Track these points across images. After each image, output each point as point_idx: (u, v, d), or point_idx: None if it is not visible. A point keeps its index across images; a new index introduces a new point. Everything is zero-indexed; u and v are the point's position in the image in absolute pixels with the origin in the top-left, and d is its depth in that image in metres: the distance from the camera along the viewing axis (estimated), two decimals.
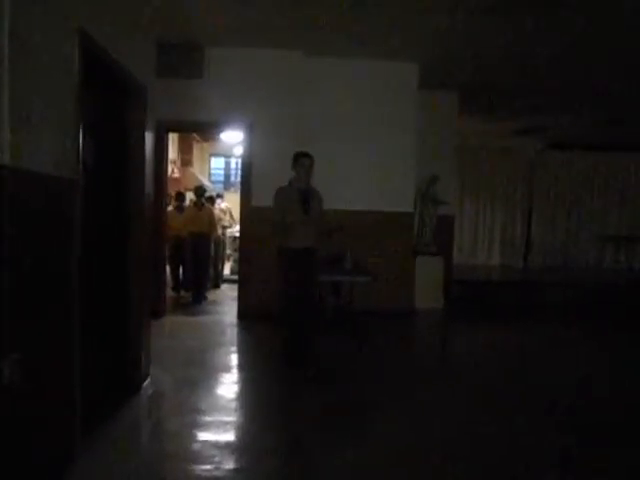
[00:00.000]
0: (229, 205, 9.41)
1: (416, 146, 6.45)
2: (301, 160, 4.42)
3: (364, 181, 6.31)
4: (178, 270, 7.82)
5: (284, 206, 4.28)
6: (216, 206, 8.84)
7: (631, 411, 3.72)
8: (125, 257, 3.54)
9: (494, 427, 3.31)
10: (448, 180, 7.53)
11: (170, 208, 7.86)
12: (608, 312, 7.26)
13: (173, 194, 8.10)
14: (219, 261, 8.83)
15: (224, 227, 9.00)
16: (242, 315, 6.16)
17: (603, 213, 11.43)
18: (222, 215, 8.94)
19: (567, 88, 7.15)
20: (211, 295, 7.85)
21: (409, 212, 6.58)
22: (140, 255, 3.64)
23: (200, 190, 7.66)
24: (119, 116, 3.47)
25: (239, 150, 8.14)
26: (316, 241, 4.38)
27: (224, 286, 8.68)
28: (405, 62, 6.22)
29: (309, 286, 4.36)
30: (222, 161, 13.40)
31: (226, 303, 7.26)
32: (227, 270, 9.39)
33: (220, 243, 8.69)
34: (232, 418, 3.39)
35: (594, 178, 11.38)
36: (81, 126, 2.61)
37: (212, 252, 7.95)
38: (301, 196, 4.33)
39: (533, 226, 11.38)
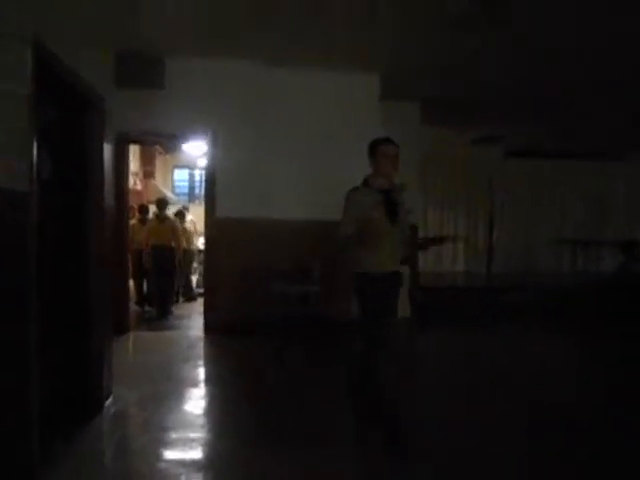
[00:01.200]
0: (194, 218, 9.29)
1: None
2: (383, 148, 3.35)
3: (329, 191, 6.30)
4: (142, 284, 7.66)
5: (360, 215, 3.19)
6: (187, 220, 8.76)
7: (594, 406, 3.83)
8: (84, 271, 3.43)
9: (466, 434, 3.35)
10: (412, 189, 7.62)
11: (134, 221, 7.73)
12: (567, 313, 7.48)
13: (136, 207, 7.96)
14: (190, 274, 8.75)
15: (190, 244, 8.85)
16: (209, 329, 6.06)
17: (560, 218, 11.83)
18: (188, 233, 8.78)
19: (523, 99, 7.39)
20: (181, 309, 7.72)
21: None
22: (100, 269, 3.54)
23: (162, 203, 7.55)
24: (76, 128, 3.38)
25: (203, 161, 8.07)
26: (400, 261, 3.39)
27: (196, 302, 8.52)
28: (367, 73, 6.30)
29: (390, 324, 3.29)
30: (186, 173, 13.25)
31: (193, 317, 7.14)
32: (193, 283, 9.24)
33: (192, 256, 8.61)
34: (199, 435, 3.31)
35: (550, 185, 11.78)
36: (35, 138, 2.52)
37: (180, 265, 7.86)
38: (385, 199, 3.28)
39: (495, 233, 11.66)
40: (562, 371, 4.84)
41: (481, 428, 3.42)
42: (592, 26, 4.81)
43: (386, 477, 2.80)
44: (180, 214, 8.66)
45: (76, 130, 3.37)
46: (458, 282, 9.97)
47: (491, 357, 5.43)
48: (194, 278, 9.39)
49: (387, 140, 3.38)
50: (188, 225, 8.75)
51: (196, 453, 3.05)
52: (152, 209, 7.97)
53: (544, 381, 4.51)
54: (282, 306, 5.53)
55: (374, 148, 3.38)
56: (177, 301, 8.06)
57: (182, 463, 2.88)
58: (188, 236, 8.51)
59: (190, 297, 8.61)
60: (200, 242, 9.04)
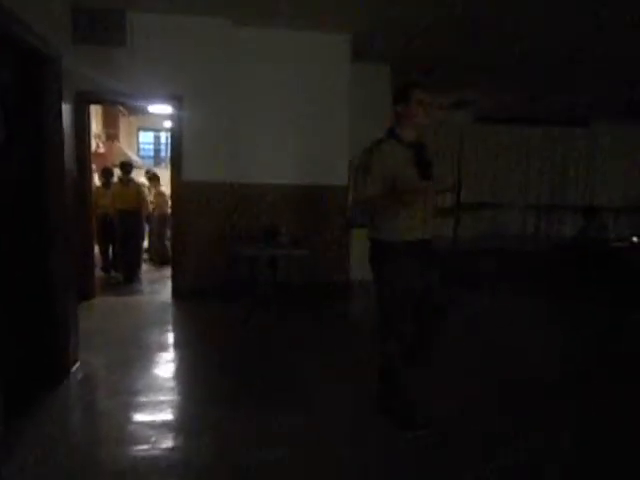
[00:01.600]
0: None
1: (349, 118, 6.46)
2: (419, 94, 2.80)
3: (297, 154, 6.27)
4: (107, 249, 7.53)
5: (389, 173, 2.75)
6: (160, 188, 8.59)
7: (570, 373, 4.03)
8: (45, 237, 3.34)
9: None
10: None
11: (98, 185, 7.52)
12: (532, 276, 7.75)
13: (100, 170, 7.74)
14: (165, 238, 8.63)
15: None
16: (177, 294, 6.03)
17: (525, 183, 12.09)
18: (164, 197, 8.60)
19: (491, 65, 7.39)
20: (152, 273, 7.66)
21: (343, 185, 6.62)
22: (62, 234, 3.45)
23: (126, 166, 7.36)
24: (32, 85, 3.21)
25: (169, 124, 7.84)
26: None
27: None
28: (338, 32, 6.16)
29: (428, 298, 2.93)
30: (151, 135, 12.85)
31: (161, 282, 7.08)
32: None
33: (164, 220, 8.45)
34: (168, 397, 3.33)
35: (517, 150, 11.98)
36: None
37: (151, 229, 7.75)
38: (415, 155, 2.85)
39: (462, 196, 11.83)
40: (529, 333, 5.03)
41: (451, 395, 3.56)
42: None
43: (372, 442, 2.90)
44: (155, 178, 8.64)
45: (31, 89, 3.20)
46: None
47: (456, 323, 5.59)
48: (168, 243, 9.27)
49: (416, 84, 2.84)
50: (163, 189, 8.60)
51: (166, 415, 3.08)
52: (117, 173, 7.76)
53: (513, 342, 4.68)
54: (250, 270, 5.54)
55: (407, 92, 2.81)
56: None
57: (152, 425, 2.91)
58: (165, 200, 8.37)
59: (165, 261, 8.53)
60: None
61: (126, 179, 7.27)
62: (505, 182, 12.01)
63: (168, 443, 2.73)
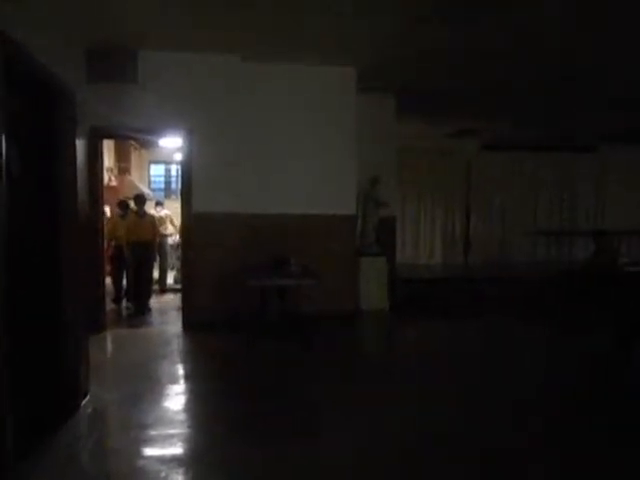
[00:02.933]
0: (169, 212, 9.20)
1: (356, 149, 6.54)
2: None
3: (306, 185, 6.33)
4: (121, 280, 7.54)
5: None
6: (154, 213, 8.70)
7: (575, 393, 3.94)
8: (57, 269, 3.37)
9: (448, 424, 3.40)
10: (389, 182, 7.69)
11: (113, 217, 7.64)
12: (542, 301, 7.64)
13: (116, 203, 7.88)
14: (166, 265, 8.78)
15: (163, 235, 8.80)
16: (187, 325, 6.02)
17: (534, 209, 12.07)
18: (162, 222, 8.77)
19: (494, 92, 7.49)
20: (155, 304, 7.66)
21: (351, 214, 6.66)
22: (74, 267, 3.48)
23: (141, 198, 7.46)
24: (47, 122, 3.30)
25: (179, 156, 7.98)
26: None
27: (169, 296, 8.48)
28: (343, 66, 6.30)
29: None
30: (162, 168, 13.09)
31: (170, 313, 7.08)
32: (171, 279, 9.16)
33: (166, 247, 8.64)
34: (178, 431, 3.29)
35: (525, 176, 12.00)
36: (3, 132, 2.47)
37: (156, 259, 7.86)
38: None
39: (471, 224, 11.84)
40: (531, 357, 4.95)
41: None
42: (560, 20, 4.89)
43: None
44: (158, 204, 9.15)
45: (47, 125, 3.29)
46: (436, 274, 10.09)
47: (466, 350, 5.53)
48: (171, 274, 9.32)
49: None
50: (163, 213, 8.91)
51: (176, 449, 3.03)
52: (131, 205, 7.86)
53: (517, 374, 4.60)
54: (259, 301, 5.53)
55: None
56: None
57: (162, 460, 2.86)
58: (162, 224, 8.56)
59: (164, 289, 8.68)
60: (177, 237, 9.02)
61: (142, 211, 7.36)
62: (514, 209, 12.00)
63: (178, 478, 2.68)
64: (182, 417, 3.57)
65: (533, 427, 3.32)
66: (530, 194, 12.04)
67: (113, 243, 7.21)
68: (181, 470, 2.76)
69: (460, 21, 4.91)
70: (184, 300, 6.16)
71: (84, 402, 3.60)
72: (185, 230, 6.20)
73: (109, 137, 7.37)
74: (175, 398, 3.94)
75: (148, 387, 4.07)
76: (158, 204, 9.21)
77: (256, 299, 5.54)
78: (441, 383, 4.23)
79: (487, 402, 3.78)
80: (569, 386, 4.17)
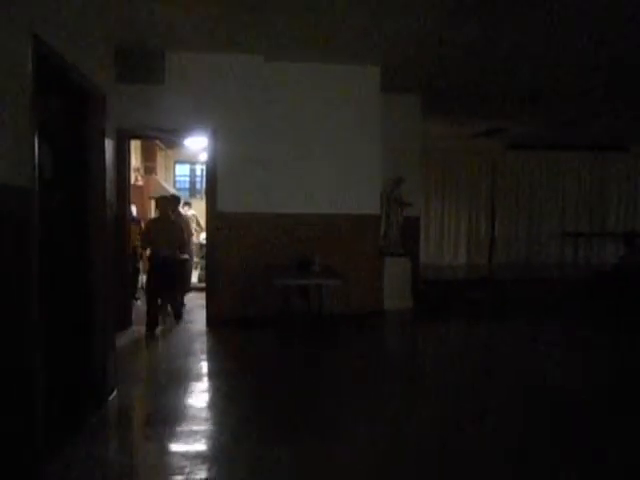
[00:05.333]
0: (195, 212, 9.32)
1: (381, 149, 6.51)
2: None
3: (330, 184, 6.34)
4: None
5: None
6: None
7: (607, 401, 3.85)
8: (87, 268, 3.45)
9: (467, 427, 3.36)
10: (413, 182, 7.64)
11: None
12: (570, 305, 7.48)
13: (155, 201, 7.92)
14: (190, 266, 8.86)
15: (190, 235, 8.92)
16: (211, 323, 6.08)
17: (562, 210, 11.82)
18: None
19: (523, 91, 7.36)
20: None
21: (376, 214, 6.63)
22: (102, 265, 3.55)
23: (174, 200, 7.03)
24: (78, 123, 3.38)
25: (204, 156, 8.06)
26: None
27: (192, 294, 8.57)
28: (367, 65, 6.28)
29: None
30: (187, 168, 13.24)
31: (195, 311, 7.15)
32: (195, 278, 9.27)
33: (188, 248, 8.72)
34: (202, 427, 3.32)
35: (552, 176, 11.76)
36: (36, 133, 2.53)
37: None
38: None
39: (497, 225, 11.67)
40: (560, 360, 4.85)
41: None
42: (592, 13, 4.78)
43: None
44: (186, 204, 9.14)
45: (78, 126, 3.37)
46: (460, 274, 9.98)
47: (489, 352, 5.45)
48: (195, 272, 9.43)
49: None
50: (190, 213, 9.01)
51: (200, 445, 3.07)
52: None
53: (541, 379, 4.52)
54: (284, 300, 5.55)
55: None
56: None
57: (186, 456, 2.90)
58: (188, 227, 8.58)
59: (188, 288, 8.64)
60: (202, 237, 9.10)
61: (173, 216, 6.66)
62: (540, 209, 11.78)
63: (202, 474, 2.70)
64: (206, 414, 3.60)
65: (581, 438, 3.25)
66: (558, 194, 11.80)
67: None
68: (205, 466, 2.79)
69: (489, 18, 4.84)
70: (208, 298, 6.22)
71: (111, 397, 3.67)
72: (210, 229, 6.26)
73: (136, 137, 7.48)
74: (199, 395, 3.99)
75: (173, 383, 4.12)
76: (185, 204, 9.30)
77: (280, 298, 5.56)
78: (471, 384, 4.18)
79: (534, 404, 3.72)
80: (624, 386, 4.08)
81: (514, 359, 4.98)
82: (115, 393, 3.74)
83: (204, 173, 9.89)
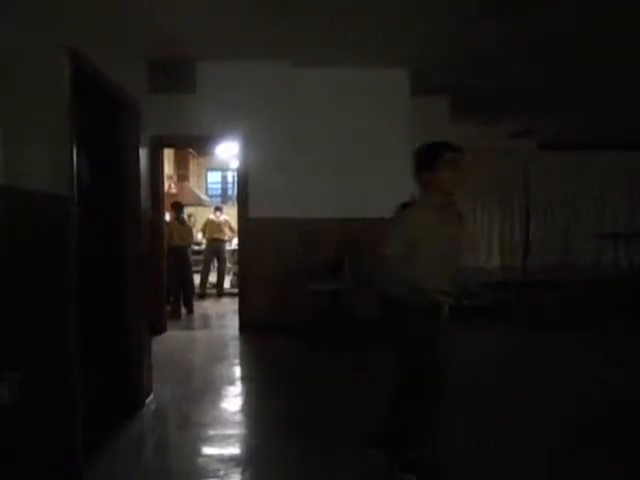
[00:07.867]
0: (227, 218, 9.43)
1: (410, 152, 6.44)
2: (446, 158, 2.67)
3: (360, 189, 6.31)
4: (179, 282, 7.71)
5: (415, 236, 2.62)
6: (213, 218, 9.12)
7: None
8: (123, 274, 3.54)
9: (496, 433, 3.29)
10: None
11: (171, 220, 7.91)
12: (609, 310, 7.23)
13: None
14: (223, 271, 9.14)
15: (221, 240, 9.09)
16: (243, 328, 6.14)
17: (598, 211, 11.46)
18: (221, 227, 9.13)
19: (555, 90, 7.20)
20: (213, 307, 7.92)
21: None
22: (138, 272, 3.63)
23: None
24: (113, 133, 3.49)
25: (235, 163, 8.18)
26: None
27: (225, 299, 8.72)
28: (395, 68, 6.24)
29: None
30: (219, 175, 13.44)
31: (227, 316, 7.25)
32: (227, 284, 9.40)
33: (221, 254, 9.03)
34: (236, 431, 3.36)
35: (586, 177, 11.43)
36: (75, 143, 2.62)
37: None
38: (443, 218, 2.71)
39: (531, 226, 11.41)
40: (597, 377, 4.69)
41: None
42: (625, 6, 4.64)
43: None
44: (218, 209, 9.43)
45: (113, 136, 3.47)
46: (494, 277, 9.78)
47: (522, 357, 5.32)
48: (228, 278, 9.56)
49: (449, 146, 2.67)
50: (222, 218, 9.24)
51: (234, 449, 3.10)
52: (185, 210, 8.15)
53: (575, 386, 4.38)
54: (315, 305, 5.56)
55: (435, 157, 2.69)
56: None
57: (220, 459, 2.93)
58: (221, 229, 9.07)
59: (221, 293, 9.09)
60: (234, 242, 9.22)
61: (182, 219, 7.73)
62: (576, 211, 11.46)
63: (236, 477, 2.73)
64: (239, 417, 3.63)
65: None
66: (596, 194, 11.45)
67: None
68: (238, 470, 2.81)
69: (520, 17, 4.76)
70: (241, 303, 6.29)
71: (148, 400, 3.74)
72: (242, 235, 6.33)
73: (169, 146, 7.66)
74: (232, 399, 4.03)
75: (207, 387, 4.18)
76: (217, 209, 9.44)
77: (311, 303, 5.57)
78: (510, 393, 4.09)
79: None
80: None
81: (542, 367, 4.84)
82: (152, 396, 3.82)
83: (235, 180, 10.03)
